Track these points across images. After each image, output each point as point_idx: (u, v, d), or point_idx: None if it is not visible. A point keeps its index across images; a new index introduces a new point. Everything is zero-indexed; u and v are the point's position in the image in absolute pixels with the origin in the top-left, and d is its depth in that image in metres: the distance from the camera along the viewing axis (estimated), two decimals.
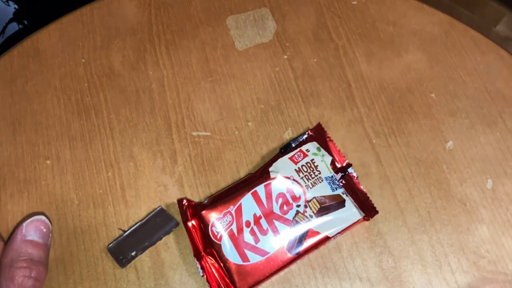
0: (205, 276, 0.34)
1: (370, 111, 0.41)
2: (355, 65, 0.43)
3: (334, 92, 0.42)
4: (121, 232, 0.37)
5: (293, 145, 0.38)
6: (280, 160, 0.37)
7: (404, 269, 0.35)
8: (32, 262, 0.32)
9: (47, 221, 0.35)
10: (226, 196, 0.36)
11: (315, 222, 0.35)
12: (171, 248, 0.36)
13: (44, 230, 0.34)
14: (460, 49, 0.43)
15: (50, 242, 0.35)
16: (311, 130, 0.39)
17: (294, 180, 0.36)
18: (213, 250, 0.34)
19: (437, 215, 0.37)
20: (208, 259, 0.34)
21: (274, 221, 0.35)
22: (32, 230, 0.33)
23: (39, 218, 0.34)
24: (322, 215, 0.35)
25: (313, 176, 0.36)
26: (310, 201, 0.35)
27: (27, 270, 0.31)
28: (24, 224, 0.33)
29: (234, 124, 0.41)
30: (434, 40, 0.44)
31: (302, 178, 0.36)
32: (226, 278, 0.34)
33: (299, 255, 0.34)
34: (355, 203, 0.36)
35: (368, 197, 0.36)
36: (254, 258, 0.34)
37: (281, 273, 0.35)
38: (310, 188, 0.36)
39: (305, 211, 0.35)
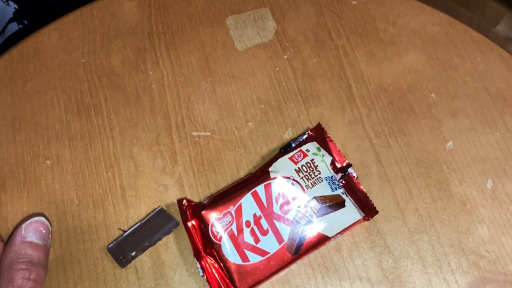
0: (205, 276, 0.34)
1: (370, 111, 0.41)
2: (355, 65, 0.43)
3: (334, 92, 0.42)
4: (121, 232, 0.37)
5: (293, 145, 0.38)
6: (280, 160, 0.37)
7: (404, 269, 0.35)
8: (32, 264, 0.31)
9: (46, 222, 0.34)
10: (226, 196, 0.36)
11: (315, 222, 0.35)
12: (171, 248, 0.36)
13: (44, 231, 0.34)
14: (460, 49, 0.43)
15: (49, 243, 0.35)
16: (311, 130, 0.39)
17: (294, 180, 0.36)
18: (213, 250, 0.34)
19: (437, 215, 0.37)
20: (208, 259, 0.34)
21: (274, 221, 0.35)
22: (31, 232, 0.33)
23: (38, 220, 0.34)
24: (322, 215, 0.35)
25: (313, 176, 0.36)
26: (310, 201, 0.35)
27: (27, 272, 0.31)
28: (23, 225, 0.33)
29: (234, 124, 0.41)
30: (434, 40, 0.44)
31: (302, 178, 0.36)
32: (226, 278, 0.34)
33: (299, 255, 0.34)
34: (355, 203, 0.36)
35: (368, 197, 0.36)
36: (254, 258, 0.34)
37: (281, 273, 0.35)
38: (310, 188, 0.36)
39: (305, 211, 0.35)
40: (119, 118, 0.42)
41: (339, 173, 0.37)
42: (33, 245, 0.32)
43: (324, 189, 0.36)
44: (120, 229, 0.37)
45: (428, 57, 0.43)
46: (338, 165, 0.38)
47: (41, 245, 0.33)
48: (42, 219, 0.34)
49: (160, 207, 0.38)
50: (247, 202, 0.35)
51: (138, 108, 0.42)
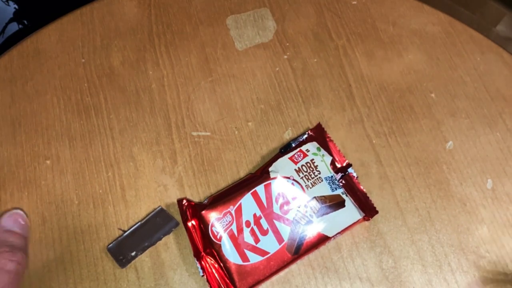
0: (205, 276, 0.34)
1: (370, 111, 0.41)
2: (355, 65, 0.43)
3: (334, 92, 0.42)
4: (121, 232, 0.37)
5: (293, 145, 0.38)
6: (280, 160, 0.37)
7: (404, 269, 0.35)
8: (14, 248, 0.33)
9: (24, 216, 0.36)
10: (226, 196, 0.36)
11: (315, 222, 0.35)
12: (171, 248, 0.37)
13: (22, 222, 0.36)
14: (460, 49, 0.43)
15: (28, 235, 0.36)
16: (311, 130, 0.39)
17: (294, 180, 0.36)
18: (213, 250, 0.34)
19: (437, 215, 0.37)
20: (208, 259, 0.34)
21: (274, 221, 0.35)
22: (11, 222, 0.35)
23: (16, 212, 0.36)
24: (322, 215, 0.35)
25: (313, 176, 0.36)
26: (310, 201, 0.35)
27: (10, 253, 0.32)
28: (2, 217, 0.35)
29: (234, 124, 0.41)
30: (434, 40, 0.44)
31: (302, 178, 0.36)
32: (226, 278, 0.34)
33: (299, 255, 0.34)
34: (355, 203, 0.36)
35: (368, 197, 0.36)
36: (254, 258, 0.34)
37: (281, 273, 0.35)
38: (310, 188, 0.36)
39: (305, 211, 0.35)
40: (119, 118, 0.42)
41: (339, 173, 0.37)
42: (14, 234, 0.34)
43: (324, 189, 0.36)
44: (120, 229, 0.37)
45: (428, 57, 0.43)
46: (338, 165, 0.38)
47: (21, 234, 0.35)
48: (20, 212, 0.36)
49: (160, 207, 0.38)
50: (247, 202, 0.35)
51: (138, 108, 0.42)
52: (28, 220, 0.37)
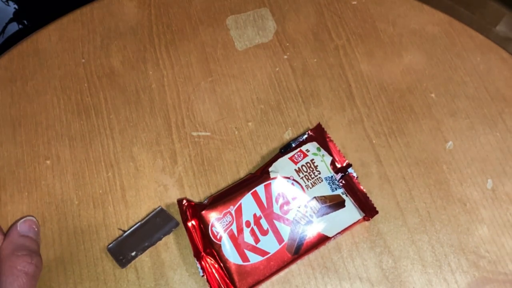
0: (205, 276, 0.34)
1: (370, 111, 0.41)
2: (355, 65, 0.43)
3: (334, 92, 0.42)
4: (121, 232, 0.37)
5: (293, 145, 0.38)
6: (280, 160, 0.37)
7: (404, 269, 0.35)
8: (32, 252, 0.34)
9: (37, 222, 0.37)
10: (226, 196, 0.36)
11: (315, 222, 0.35)
12: (171, 248, 0.37)
13: (36, 229, 0.37)
14: (460, 49, 0.43)
15: (40, 241, 0.37)
16: (311, 130, 0.39)
17: (294, 180, 0.36)
18: (213, 250, 0.34)
19: (437, 215, 0.37)
20: (208, 259, 0.34)
21: (274, 221, 0.35)
22: (26, 228, 0.36)
23: (31, 219, 0.37)
24: (322, 215, 0.35)
25: (313, 176, 0.36)
26: (310, 201, 0.35)
27: (28, 257, 0.33)
28: (18, 223, 0.36)
29: (234, 124, 0.41)
30: (434, 40, 0.44)
31: (302, 178, 0.36)
32: (226, 278, 0.34)
33: (299, 255, 0.34)
34: (355, 203, 0.36)
35: (368, 197, 0.36)
36: (254, 258, 0.34)
37: (281, 273, 0.35)
38: (310, 188, 0.36)
39: (305, 211, 0.35)
40: (119, 118, 0.42)
41: (339, 173, 0.37)
42: (30, 239, 0.35)
43: (324, 189, 0.36)
44: (120, 229, 0.37)
45: (428, 57, 0.43)
46: (338, 165, 0.38)
47: (35, 239, 0.36)
48: (33, 218, 0.37)
49: (160, 207, 0.38)
50: (247, 202, 0.35)
51: (138, 108, 0.42)
52: (39, 226, 0.37)
